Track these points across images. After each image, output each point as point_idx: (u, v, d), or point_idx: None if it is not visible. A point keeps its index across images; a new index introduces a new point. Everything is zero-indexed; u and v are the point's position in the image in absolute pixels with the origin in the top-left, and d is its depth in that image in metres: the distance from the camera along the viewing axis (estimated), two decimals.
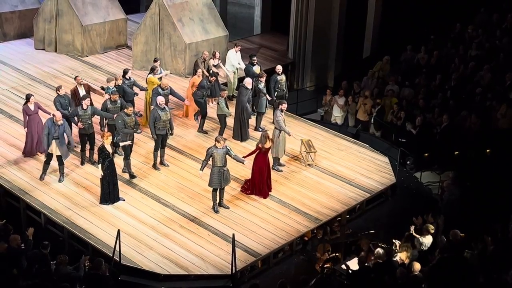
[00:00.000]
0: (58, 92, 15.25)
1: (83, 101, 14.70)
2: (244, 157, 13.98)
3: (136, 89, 16.76)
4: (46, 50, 21.69)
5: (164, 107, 14.78)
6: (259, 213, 13.82)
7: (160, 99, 14.82)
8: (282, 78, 17.32)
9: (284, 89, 17.31)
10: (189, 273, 12.12)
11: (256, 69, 17.70)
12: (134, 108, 15.98)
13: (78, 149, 15.23)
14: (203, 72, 17.44)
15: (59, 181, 14.42)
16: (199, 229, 13.23)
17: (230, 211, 13.79)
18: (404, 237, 12.13)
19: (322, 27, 22.03)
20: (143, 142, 15.32)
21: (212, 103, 17.54)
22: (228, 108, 16.18)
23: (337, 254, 13.21)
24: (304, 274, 11.59)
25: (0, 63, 20.61)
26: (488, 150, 15.43)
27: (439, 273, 10.55)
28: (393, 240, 12.11)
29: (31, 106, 15.00)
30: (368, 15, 21.49)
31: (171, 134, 15.38)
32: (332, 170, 15.56)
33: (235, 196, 14.31)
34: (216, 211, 13.69)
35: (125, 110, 14.34)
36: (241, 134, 16.42)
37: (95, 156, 14.95)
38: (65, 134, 14.25)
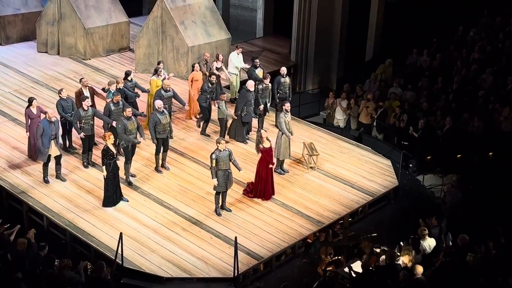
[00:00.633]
0: (60, 95, 15.25)
1: (83, 102, 14.71)
2: (258, 167, 14.10)
3: (137, 91, 16.74)
4: (48, 53, 21.73)
5: (163, 111, 14.75)
6: (261, 216, 13.82)
7: (159, 103, 14.77)
8: (286, 80, 17.29)
9: (287, 91, 17.29)
10: (192, 276, 12.11)
11: (259, 72, 17.69)
12: (138, 110, 16.05)
13: (78, 151, 15.27)
14: (204, 73, 17.44)
15: (63, 181, 14.44)
16: (201, 232, 13.23)
17: (232, 214, 13.78)
18: (408, 240, 12.11)
19: (325, 30, 22.05)
20: (146, 145, 15.32)
21: (215, 105, 17.52)
22: (228, 111, 16.15)
23: (340, 257, 13.19)
24: (306, 277, 11.59)
25: (3, 66, 20.65)
26: (490, 153, 15.41)
27: (441, 276, 10.53)
28: (401, 243, 12.09)
29: (34, 109, 14.99)
30: (371, 18, 21.51)
31: (171, 137, 15.38)
32: (335, 173, 15.55)
33: (238, 199, 14.30)
34: (219, 214, 13.69)
35: (124, 113, 14.27)
36: (235, 134, 16.46)
37: (94, 157, 15.09)
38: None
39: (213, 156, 13.27)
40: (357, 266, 11.68)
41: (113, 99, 15.10)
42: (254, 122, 17.17)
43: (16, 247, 11.17)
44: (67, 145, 15.63)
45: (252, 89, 16.27)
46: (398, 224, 14.25)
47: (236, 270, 11.95)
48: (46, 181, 14.45)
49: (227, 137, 16.23)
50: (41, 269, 10.85)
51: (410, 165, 16.39)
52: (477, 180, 14.72)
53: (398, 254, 11.74)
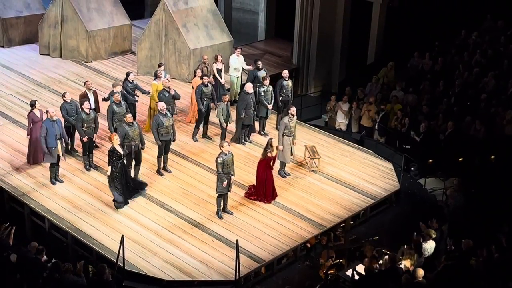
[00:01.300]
0: (64, 98, 15.25)
1: (82, 105, 14.72)
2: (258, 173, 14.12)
3: (137, 92, 16.75)
4: (51, 55, 21.76)
5: (166, 113, 14.76)
6: (263, 219, 13.81)
7: (161, 105, 14.78)
8: (288, 83, 17.29)
9: (289, 94, 17.29)
10: (193, 279, 12.11)
11: (261, 74, 17.64)
12: (136, 113, 16.05)
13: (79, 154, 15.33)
14: (206, 76, 17.44)
15: (60, 182, 14.46)
16: (203, 235, 13.22)
17: (234, 217, 13.78)
18: (410, 244, 12.10)
19: (327, 33, 22.05)
20: (148, 148, 15.31)
21: (215, 106, 17.51)
22: (228, 113, 16.12)
23: (341, 260, 13.18)
24: (308, 280, 11.57)
25: (5, 69, 20.68)
26: (492, 157, 15.40)
27: (444, 280, 10.52)
28: (403, 247, 12.08)
29: (37, 112, 15.00)
30: (373, 21, 21.50)
31: (174, 140, 15.45)
32: (336, 176, 15.55)
33: (239, 202, 14.30)
34: (220, 217, 13.69)
35: (125, 119, 14.24)
36: (238, 138, 16.50)
37: (95, 160, 15.16)
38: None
39: (219, 160, 13.26)
40: (359, 269, 11.68)
41: (115, 100, 15.08)
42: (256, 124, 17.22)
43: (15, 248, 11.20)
44: (69, 148, 15.64)
45: (250, 91, 16.23)
46: (399, 227, 14.23)
47: (237, 273, 11.95)
48: (53, 183, 14.46)
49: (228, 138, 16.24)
50: (47, 273, 10.84)
51: (412, 168, 16.37)
52: (479, 184, 14.70)
53: (400, 257, 11.72)
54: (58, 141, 14.20)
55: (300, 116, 19.03)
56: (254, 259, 12.60)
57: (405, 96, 18.21)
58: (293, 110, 15.12)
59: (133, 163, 14.39)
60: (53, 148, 14.12)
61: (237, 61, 18.48)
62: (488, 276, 10.52)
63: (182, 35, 20.01)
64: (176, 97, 16.30)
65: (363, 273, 11.35)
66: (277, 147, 14.31)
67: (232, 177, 13.52)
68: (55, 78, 20.14)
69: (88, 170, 15.08)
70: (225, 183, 13.32)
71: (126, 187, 13.77)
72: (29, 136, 15.09)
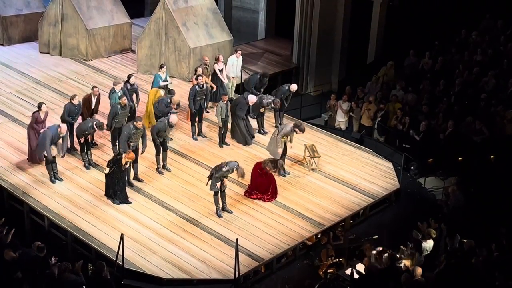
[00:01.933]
0: (72, 101, 15.30)
1: (90, 117, 14.95)
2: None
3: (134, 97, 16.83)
4: (50, 53, 21.74)
5: (174, 125, 14.91)
6: (262, 217, 13.81)
7: (174, 120, 14.84)
8: (290, 93, 17.21)
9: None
10: (192, 277, 12.10)
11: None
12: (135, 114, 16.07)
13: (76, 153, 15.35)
14: (207, 77, 17.45)
15: (59, 180, 14.48)
16: (202, 233, 13.22)
17: (233, 216, 13.78)
18: (410, 243, 12.11)
19: (327, 32, 22.05)
20: (147, 147, 15.29)
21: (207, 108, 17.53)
22: (227, 112, 16.11)
23: (341, 259, 13.17)
24: (307, 279, 11.57)
25: (5, 67, 20.66)
26: (492, 156, 15.40)
27: (445, 278, 10.52)
28: (403, 246, 12.10)
29: (42, 114, 15.02)
30: (373, 20, 21.51)
31: (170, 139, 15.49)
32: (336, 175, 15.55)
33: (239, 200, 14.30)
34: (220, 216, 13.68)
35: (135, 124, 14.28)
36: (235, 135, 16.57)
37: (95, 158, 15.19)
38: (63, 143, 14.39)
39: (224, 169, 13.33)
40: (359, 268, 11.68)
41: (121, 102, 15.15)
42: (254, 123, 17.24)
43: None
44: (69, 146, 15.63)
45: (251, 103, 16.32)
46: (399, 226, 14.23)
47: (237, 272, 11.94)
48: (52, 181, 14.46)
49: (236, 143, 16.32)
50: (38, 271, 10.85)
51: (412, 167, 16.38)
52: (478, 183, 14.70)
53: (401, 256, 11.73)
54: (53, 145, 14.20)
55: (300, 115, 19.07)
56: (254, 258, 12.60)
57: (404, 95, 18.21)
58: (299, 132, 15.02)
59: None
60: (48, 151, 14.17)
61: (236, 64, 18.51)
62: (488, 274, 10.53)
63: (182, 34, 20.00)
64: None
65: (363, 272, 11.36)
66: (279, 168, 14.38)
67: (225, 179, 13.57)
68: (55, 77, 20.12)
69: (87, 168, 15.08)
70: (218, 184, 13.39)
71: (115, 190, 13.84)
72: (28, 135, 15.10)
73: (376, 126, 17.82)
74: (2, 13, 22.19)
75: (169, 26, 20.10)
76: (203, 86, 16.51)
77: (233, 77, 18.65)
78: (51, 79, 19.92)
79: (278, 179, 14.87)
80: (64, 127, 14.31)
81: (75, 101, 15.31)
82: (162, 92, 16.96)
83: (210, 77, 17.95)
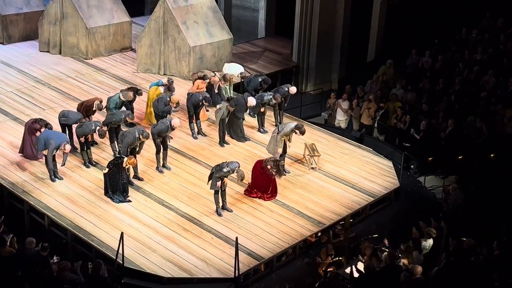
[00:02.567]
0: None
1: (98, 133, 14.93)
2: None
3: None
4: (50, 52, 21.73)
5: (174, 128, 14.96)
6: (262, 216, 13.81)
7: (177, 124, 14.88)
8: (290, 94, 17.25)
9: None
10: (192, 276, 12.11)
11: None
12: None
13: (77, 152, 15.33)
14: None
15: (59, 179, 14.48)
16: (202, 232, 13.23)
17: (233, 215, 13.78)
18: (409, 242, 12.12)
19: (327, 31, 22.05)
20: (147, 145, 15.29)
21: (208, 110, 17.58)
22: (226, 116, 16.14)
23: (341, 258, 13.19)
24: (307, 278, 11.58)
25: (5, 65, 20.65)
26: (492, 155, 15.41)
27: (445, 277, 10.53)
28: (401, 245, 12.11)
29: (42, 128, 14.98)
30: (373, 19, 21.51)
31: (171, 138, 15.55)
32: (336, 174, 15.55)
33: (239, 199, 14.30)
34: (220, 214, 13.69)
35: (141, 136, 14.29)
36: (232, 132, 16.60)
37: (95, 157, 15.18)
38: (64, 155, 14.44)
39: (225, 170, 13.37)
40: (359, 267, 11.69)
41: (128, 120, 15.24)
42: (254, 123, 17.24)
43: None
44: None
45: (251, 105, 16.41)
46: (399, 225, 14.24)
47: (236, 271, 11.95)
48: (52, 180, 14.47)
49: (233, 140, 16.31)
50: (39, 269, 10.86)
51: (412, 166, 16.38)
52: (478, 182, 14.70)
53: (400, 255, 11.74)
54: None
55: (300, 113, 19.07)
56: (254, 257, 12.60)
57: (404, 94, 18.21)
58: (299, 134, 15.03)
59: None
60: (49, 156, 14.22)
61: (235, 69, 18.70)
62: (488, 273, 10.54)
63: (182, 32, 20.00)
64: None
65: (363, 270, 11.37)
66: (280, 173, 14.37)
67: (225, 178, 13.58)
68: (55, 75, 20.11)
69: (87, 167, 15.08)
70: (219, 183, 13.39)
71: (114, 189, 13.87)
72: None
73: (376, 125, 17.82)
74: (2, 12, 22.18)
75: (169, 25, 20.09)
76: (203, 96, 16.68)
77: (231, 76, 18.68)
78: (51, 78, 19.91)
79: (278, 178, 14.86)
80: (68, 148, 14.29)
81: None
82: (161, 89, 16.98)
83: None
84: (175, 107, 16.22)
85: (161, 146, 14.99)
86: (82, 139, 14.77)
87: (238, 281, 12.02)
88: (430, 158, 15.98)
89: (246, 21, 26.25)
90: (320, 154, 15.80)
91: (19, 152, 15.29)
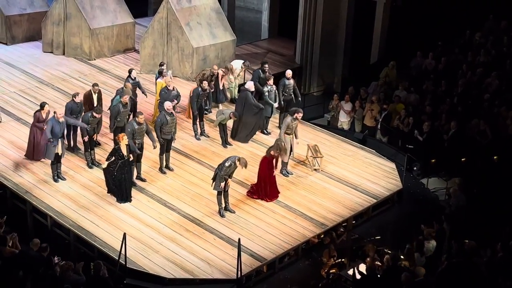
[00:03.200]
0: (74, 99, 15.31)
1: (94, 113, 14.79)
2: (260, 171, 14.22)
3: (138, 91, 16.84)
4: (54, 53, 21.77)
5: (171, 112, 14.82)
6: (265, 217, 13.81)
7: (168, 104, 14.88)
8: (290, 83, 17.35)
9: (292, 94, 17.32)
10: (195, 277, 12.11)
11: (265, 77, 17.66)
12: (137, 110, 16.06)
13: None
14: (201, 79, 17.45)
15: (62, 179, 14.47)
16: (204, 233, 13.22)
17: (236, 216, 13.78)
18: (412, 244, 12.11)
19: (330, 32, 22.04)
20: (150, 146, 15.32)
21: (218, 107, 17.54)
22: (225, 118, 16.14)
23: (343, 259, 13.18)
24: (309, 279, 11.57)
25: (8, 66, 20.69)
26: (495, 157, 15.37)
27: (447, 278, 10.51)
28: (406, 246, 12.10)
29: (44, 114, 15.02)
30: (376, 21, 21.48)
31: (174, 139, 15.54)
32: (339, 175, 15.54)
33: (241, 200, 14.30)
34: (222, 215, 13.69)
35: (137, 119, 14.29)
36: (235, 134, 16.58)
37: (98, 157, 15.16)
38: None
39: (227, 164, 13.33)
40: (361, 269, 11.68)
41: (122, 100, 15.17)
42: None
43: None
44: (71, 145, 15.67)
45: (252, 89, 16.34)
46: (401, 227, 14.22)
47: (239, 272, 11.94)
48: (55, 180, 14.48)
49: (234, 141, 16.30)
50: (42, 270, 10.87)
51: (414, 168, 16.36)
52: (482, 184, 14.67)
53: (401, 257, 11.72)
54: (60, 140, 14.21)
55: (303, 115, 19.01)
56: (256, 258, 12.60)
57: (407, 96, 18.19)
58: (299, 115, 15.10)
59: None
60: (54, 146, 14.12)
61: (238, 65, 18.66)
62: (491, 275, 10.52)
63: (185, 34, 20.01)
64: (177, 99, 16.34)
65: (365, 272, 11.35)
66: (284, 150, 14.30)
67: (229, 179, 13.56)
68: (58, 76, 20.15)
69: (90, 167, 15.09)
70: (222, 184, 13.38)
71: (118, 186, 13.81)
72: (30, 134, 15.10)
73: (379, 126, 17.81)
74: (6, 12, 22.22)
75: (172, 26, 20.11)
76: (205, 90, 16.60)
77: (234, 78, 18.67)
78: (55, 79, 19.94)
79: (281, 179, 14.87)
80: (59, 111, 14.28)
81: (77, 99, 15.33)
82: (168, 72, 17.01)
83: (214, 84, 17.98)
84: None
85: (165, 148, 14.99)
86: (86, 138, 14.75)
87: (240, 282, 12.01)
88: (433, 160, 15.95)
89: (249, 23, 26.27)
90: (323, 155, 15.79)
91: (25, 156, 15.28)
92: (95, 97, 16.01)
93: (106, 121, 15.83)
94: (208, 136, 16.83)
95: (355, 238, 13.98)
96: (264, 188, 14.21)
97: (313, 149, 15.82)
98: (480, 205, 13.88)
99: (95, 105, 15.82)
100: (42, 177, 14.67)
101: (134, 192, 14.27)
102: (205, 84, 16.60)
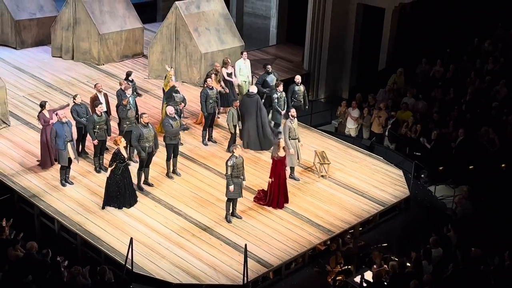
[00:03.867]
0: (74, 100, 15.34)
1: (96, 108, 14.80)
2: (270, 177, 14.06)
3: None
4: (63, 57, 21.86)
5: (174, 116, 14.82)
6: (271, 223, 13.80)
7: (170, 109, 14.85)
8: (300, 88, 17.35)
9: (301, 100, 17.33)
10: (201, 282, 12.10)
11: (271, 79, 17.67)
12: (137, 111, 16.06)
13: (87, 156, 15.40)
14: (217, 83, 17.44)
15: (70, 184, 14.51)
16: (211, 238, 13.23)
17: (242, 221, 13.77)
18: (418, 251, 12.07)
19: (338, 39, 22.05)
20: (158, 151, 15.34)
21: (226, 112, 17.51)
22: (238, 118, 16.08)
23: (350, 266, 13.15)
24: (317, 286, 11.55)
25: (17, 70, 20.79)
26: (503, 165, 15.32)
27: (453, 284, 10.47)
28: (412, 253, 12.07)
29: (46, 113, 15.07)
30: (384, 28, 21.47)
31: (181, 144, 15.54)
32: (346, 182, 15.52)
33: (248, 206, 14.29)
34: (229, 221, 13.69)
35: (141, 121, 14.30)
36: (259, 142, 16.47)
37: (106, 162, 15.11)
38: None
39: (229, 163, 13.24)
40: (368, 276, 11.65)
41: (123, 102, 15.21)
42: None
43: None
44: (80, 150, 15.70)
45: (255, 91, 16.36)
46: (409, 234, 14.18)
47: (245, 278, 11.93)
48: (63, 184, 14.52)
49: (240, 142, 16.23)
50: (49, 274, 10.89)
51: (422, 175, 16.32)
52: (489, 192, 14.62)
53: (408, 264, 11.69)
54: (69, 144, 14.25)
55: (310, 121, 19.04)
56: (262, 264, 12.59)
57: (415, 103, 18.16)
58: (293, 111, 15.21)
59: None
60: (62, 150, 14.17)
61: (244, 65, 18.51)
62: (497, 283, 10.47)
63: (193, 39, 20.06)
64: (183, 102, 16.37)
65: (371, 280, 11.32)
66: (284, 148, 14.25)
67: (243, 182, 13.52)
68: (67, 80, 20.23)
69: (98, 172, 15.13)
70: (231, 188, 13.33)
71: (122, 193, 13.79)
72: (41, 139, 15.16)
73: (386, 133, 17.78)
74: (16, 17, 22.34)
75: (181, 32, 20.17)
76: (212, 88, 16.53)
77: (244, 81, 18.63)
78: (63, 83, 20.02)
79: (288, 185, 14.84)
80: (61, 112, 14.34)
81: (78, 100, 15.30)
82: (173, 77, 16.96)
83: (221, 82, 17.93)
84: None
85: (172, 153, 15.01)
86: (96, 142, 14.77)
87: None
88: (441, 168, 15.91)
89: (257, 29, 26.31)
90: (330, 162, 15.78)
91: (39, 165, 15.32)
92: (101, 96, 15.96)
93: (114, 126, 15.87)
94: (216, 142, 16.85)
95: (362, 245, 13.94)
96: (274, 195, 14.15)
97: (320, 156, 15.82)
98: (488, 213, 13.83)
99: (102, 102, 15.78)
100: (50, 181, 14.71)
101: (141, 197, 14.29)
102: (209, 81, 16.54)
